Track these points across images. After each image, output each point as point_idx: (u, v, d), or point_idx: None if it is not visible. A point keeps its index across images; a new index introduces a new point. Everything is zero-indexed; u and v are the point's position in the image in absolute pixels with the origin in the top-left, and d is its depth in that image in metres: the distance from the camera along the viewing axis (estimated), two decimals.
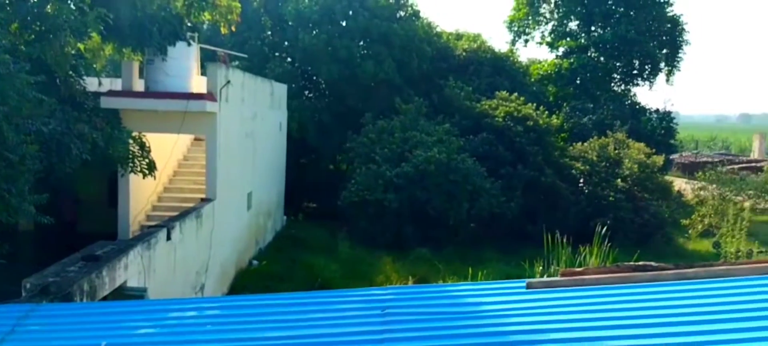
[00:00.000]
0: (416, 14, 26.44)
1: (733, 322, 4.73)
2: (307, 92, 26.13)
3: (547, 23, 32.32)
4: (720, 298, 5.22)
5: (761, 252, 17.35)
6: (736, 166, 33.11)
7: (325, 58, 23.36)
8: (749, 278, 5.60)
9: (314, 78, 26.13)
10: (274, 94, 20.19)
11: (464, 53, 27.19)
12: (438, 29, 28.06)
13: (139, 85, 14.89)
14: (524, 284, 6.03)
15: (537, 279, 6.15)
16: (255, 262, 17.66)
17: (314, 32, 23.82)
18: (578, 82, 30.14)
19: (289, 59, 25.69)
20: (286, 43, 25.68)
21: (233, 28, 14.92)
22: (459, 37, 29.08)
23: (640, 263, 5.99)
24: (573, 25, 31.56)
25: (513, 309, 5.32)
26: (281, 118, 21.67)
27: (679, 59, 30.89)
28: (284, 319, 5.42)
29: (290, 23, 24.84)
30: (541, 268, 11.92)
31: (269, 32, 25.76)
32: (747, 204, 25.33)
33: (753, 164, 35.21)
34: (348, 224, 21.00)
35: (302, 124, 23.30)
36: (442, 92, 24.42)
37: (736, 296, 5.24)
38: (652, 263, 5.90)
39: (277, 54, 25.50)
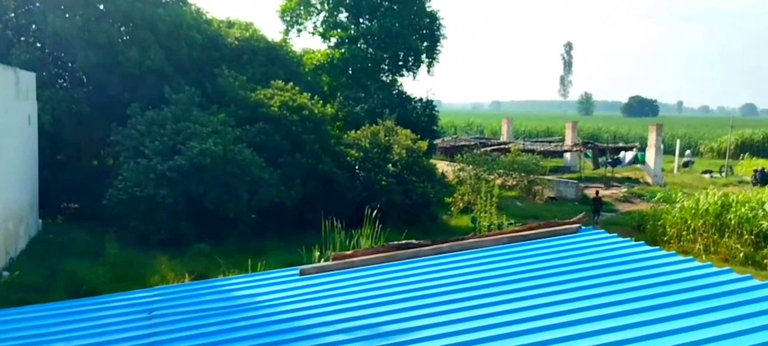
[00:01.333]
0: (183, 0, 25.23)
1: (480, 288, 5.31)
2: (61, 81, 23.51)
3: (318, 14, 32.90)
4: (469, 267, 5.82)
5: (510, 224, 19.57)
6: (488, 149, 36.79)
7: (80, 43, 21.20)
8: (493, 248, 6.33)
9: (69, 65, 23.61)
10: (19, 84, 17.88)
11: (237, 42, 26.61)
12: (208, 16, 27.05)
13: None
14: (298, 271, 6.14)
15: (310, 265, 6.30)
16: (5, 273, 15.56)
17: (67, 15, 21.50)
18: (350, 72, 31.22)
19: (38, 44, 22.92)
20: (33, 26, 22.85)
21: None
22: (230, 25, 28.38)
23: (403, 242, 6.44)
24: (343, 16, 32.52)
25: (287, 297, 5.39)
26: (30, 110, 19.27)
27: (438, 52, 33.54)
28: (36, 334, 4.88)
29: (37, 4, 22.15)
30: (318, 253, 12.21)
31: (12, 14, 22.71)
32: (498, 182, 28.51)
33: (502, 146, 39.42)
34: (117, 224, 19.41)
35: (57, 117, 20.94)
36: (216, 81, 23.64)
37: (483, 265, 5.89)
38: (413, 241, 6.38)
39: (22, 39, 22.59)
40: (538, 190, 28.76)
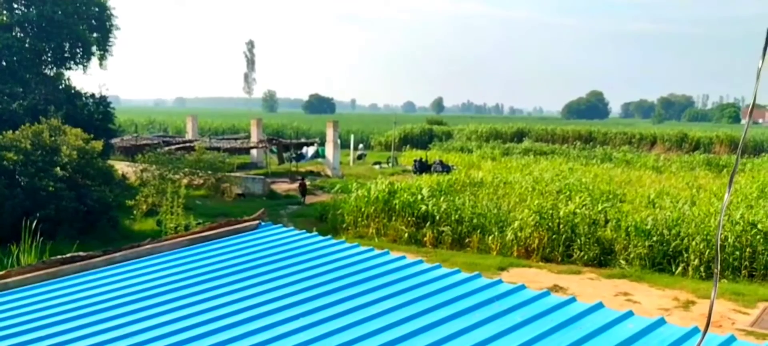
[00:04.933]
0: None
1: (157, 296, 5.07)
2: None
3: None
4: (146, 275, 5.53)
5: (199, 223, 19.18)
6: (173, 147, 35.50)
7: None
8: (172, 252, 6.12)
9: None
10: None
11: None
12: None
13: None
14: None
15: None
16: None
17: None
18: (4, 64, 27.13)
19: None
20: None
21: None
22: None
23: (69, 255, 5.82)
24: None
25: None
26: None
27: (111, 43, 31.07)
28: None
29: None
30: None
31: None
32: (184, 181, 27.71)
33: (188, 144, 38.39)
34: None
35: None
36: None
37: (160, 271, 5.65)
38: (81, 253, 5.81)
39: None
40: (226, 187, 28.80)
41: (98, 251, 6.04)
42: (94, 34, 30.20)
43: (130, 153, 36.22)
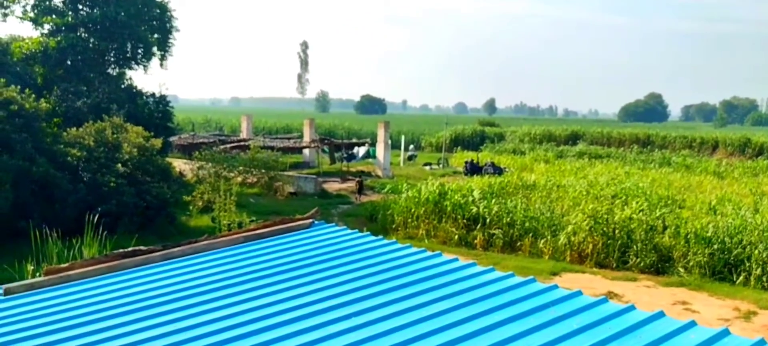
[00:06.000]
0: None
1: (213, 291, 5.17)
2: None
3: None
4: (202, 270, 5.65)
5: (252, 221, 19.51)
6: (228, 146, 36.26)
7: None
8: (227, 249, 6.23)
9: None
10: None
11: None
12: None
13: None
14: (2, 291, 5.37)
15: (17, 283, 5.52)
16: None
17: None
18: (69, 63, 28.22)
19: None
20: None
21: None
22: None
23: (130, 249, 6.00)
24: (58, 1, 29.33)
25: None
26: None
27: (170, 44, 31.98)
28: None
29: None
30: (32, 268, 10.82)
31: None
32: (238, 179, 28.26)
33: (242, 143, 39.13)
34: None
35: None
36: None
37: (216, 267, 5.76)
38: (142, 248, 5.97)
39: None
40: (279, 186, 29.19)
41: (157, 245, 6.20)
42: (155, 36, 31.12)
43: (187, 151, 37.16)
